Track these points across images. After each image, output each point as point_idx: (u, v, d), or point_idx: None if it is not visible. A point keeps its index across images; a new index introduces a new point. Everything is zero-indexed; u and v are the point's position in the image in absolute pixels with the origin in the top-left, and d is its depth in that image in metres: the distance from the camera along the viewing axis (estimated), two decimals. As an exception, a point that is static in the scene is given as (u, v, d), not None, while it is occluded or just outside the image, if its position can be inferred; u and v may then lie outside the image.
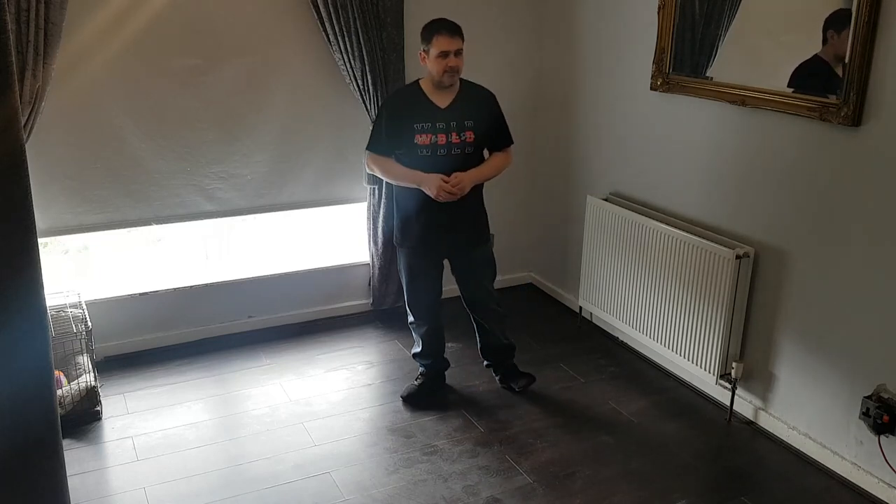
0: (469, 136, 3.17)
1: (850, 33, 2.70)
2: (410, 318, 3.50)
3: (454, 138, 3.15)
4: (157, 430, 3.27)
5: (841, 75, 2.80)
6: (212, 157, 3.84)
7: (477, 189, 3.28)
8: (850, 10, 2.76)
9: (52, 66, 3.24)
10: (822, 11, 2.88)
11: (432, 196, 3.12)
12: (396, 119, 3.20)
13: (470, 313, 3.52)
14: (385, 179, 3.32)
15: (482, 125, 3.21)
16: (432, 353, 3.55)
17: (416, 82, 3.25)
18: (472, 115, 3.18)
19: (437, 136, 3.14)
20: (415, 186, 3.18)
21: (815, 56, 2.93)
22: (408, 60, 4.02)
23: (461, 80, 3.23)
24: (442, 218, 3.22)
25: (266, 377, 3.72)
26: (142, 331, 3.90)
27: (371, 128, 3.36)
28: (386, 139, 3.23)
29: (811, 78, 2.94)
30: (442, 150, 3.15)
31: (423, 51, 3.14)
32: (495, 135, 3.29)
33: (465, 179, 3.14)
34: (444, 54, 3.07)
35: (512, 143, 3.36)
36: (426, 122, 3.14)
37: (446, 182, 3.10)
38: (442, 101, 3.17)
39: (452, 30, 3.10)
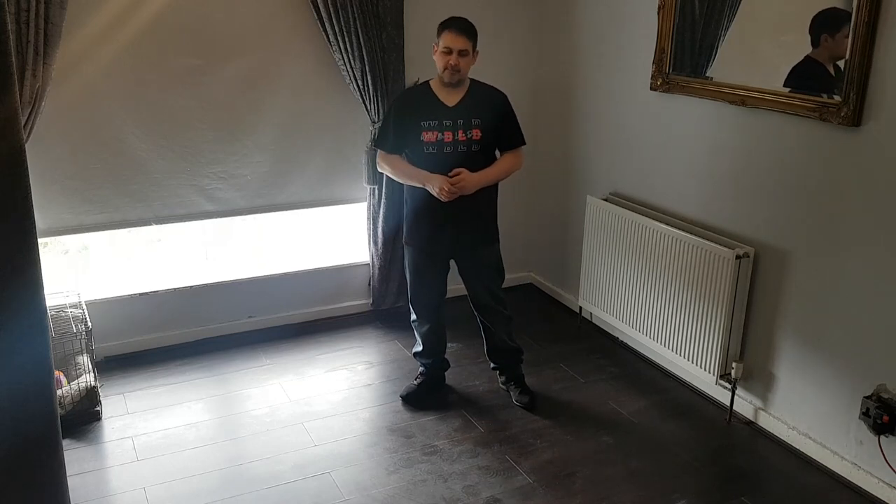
0: (476, 133, 3.17)
1: (850, 33, 2.70)
2: (413, 317, 3.50)
3: (460, 136, 3.16)
4: (157, 430, 3.27)
5: (834, 76, 2.81)
6: (212, 157, 3.84)
7: (487, 190, 3.25)
8: (840, 10, 2.77)
9: (52, 66, 3.24)
10: (810, 12, 2.89)
11: (436, 195, 3.13)
12: (403, 116, 3.21)
13: (477, 315, 3.52)
14: (394, 178, 3.32)
15: (490, 124, 3.20)
16: (433, 353, 3.55)
17: (427, 82, 3.26)
18: (479, 114, 3.18)
19: (443, 134, 3.15)
20: (420, 186, 3.18)
21: (807, 57, 2.94)
22: (408, 60, 4.03)
23: (472, 80, 3.23)
24: (449, 217, 3.22)
25: (266, 377, 3.72)
26: (142, 331, 3.90)
27: (379, 126, 3.36)
28: (393, 137, 3.24)
29: (806, 80, 2.95)
30: (448, 148, 3.16)
31: (435, 43, 3.15)
32: (505, 135, 3.27)
33: (468, 178, 3.14)
34: (447, 51, 3.09)
35: (523, 143, 3.33)
36: (433, 119, 3.15)
37: (448, 180, 3.10)
38: (450, 99, 3.18)
39: (460, 29, 3.10)
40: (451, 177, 3.12)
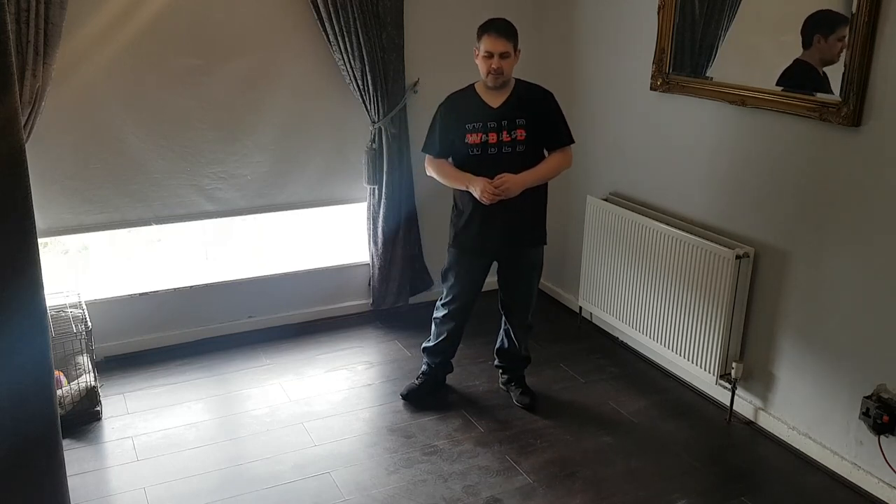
0: (520, 134, 3.14)
1: (850, 33, 2.70)
2: (439, 314, 3.46)
3: (505, 137, 3.13)
4: (157, 430, 3.27)
5: (825, 77, 2.81)
6: (212, 157, 3.84)
7: (534, 191, 3.20)
8: (835, 12, 2.77)
9: (52, 66, 3.24)
10: (810, 12, 2.89)
11: (478, 198, 3.11)
12: (448, 120, 3.20)
13: (502, 315, 3.50)
14: (441, 182, 3.29)
15: (535, 124, 3.17)
16: (442, 353, 3.53)
17: (472, 85, 3.24)
18: (524, 114, 3.15)
19: (487, 136, 3.13)
20: (464, 188, 3.17)
21: (797, 60, 2.93)
22: (408, 60, 4.03)
23: (517, 80, 3.21)
24: (494, 220, 3.19)
25: (266, 377, 3.72)
26: (142, 331, 3.90)
27: (427, 131, 3.33)
28: (439, 141, 3.23)
29: (796, 82, 2.95)
30: (493, 149, 3.14)
31: (476, 48, 3.14)
32: (551, 134, 3.23)
33: (510, 181, 3.09)
34: (488, 55, 3.07)
35: (571, 142, 3.27)
36: (477, 121, 3.14)
37: (490, 183, 3.07)
38: (494, 101, 3.16)
39: (500, 31, 3.07)
40: (493, 180, 3.09)
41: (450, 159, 3.26)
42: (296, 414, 3.41)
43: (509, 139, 3.14)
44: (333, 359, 3.91)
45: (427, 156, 3.31)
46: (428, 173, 3.34)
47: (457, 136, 3.18)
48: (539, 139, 3.21)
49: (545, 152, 3.27)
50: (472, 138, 3.14)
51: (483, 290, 3.46)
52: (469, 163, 3.17)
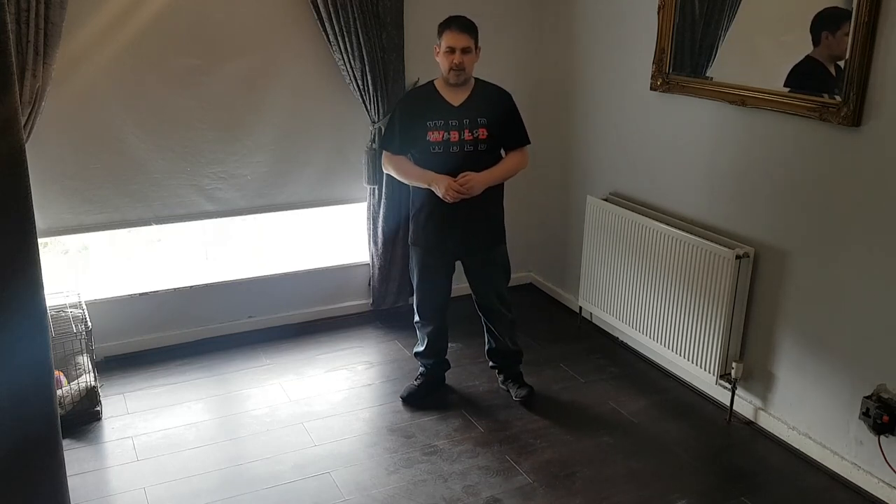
0: (482, 133, 3.16)
1: (850, 33, 2.71)
2: (416, 318, 3.49)
3: (467, 135, 3.15)
4: (157, 430, 3.27)
5: (835, 75, 2.81)
6: (212, 157, 3.84)
7: (493, 190, 3.25)
8: (840, 9, 2.77)
9: (52, 66, 3.24)
10: (810, 11, 2.89)
11: (441, 196, 3.12)
12: (409, 117, 3.20)
13: (481, 316, 3.51)
14: (399, 179, 3.31)
15: (496, 123, 3.19)
16: (434, 354, 3.54)
17: (431, 82, 3.25)
18: (485, 113, 3.17)
19: (449, 133, 3.14)
20: (426, 186, 3.18)
21: (808, 57, 2.94)
22: (408, 60, 4.03)
23: (476, 79, 3.23)
24: (456, 218, 3.21)
25: (266, 377, 3.72)
26: (142, 331, 3.90)
27: (385, 127, 3.34)
28: (399, 138, 3.23)
29: (806, 79, 2.95)
30: (454, 148, 3.15)
31: (437, 44, 3.15)
32: (510, 134, 3.26)
33: (474, 180, 3.12)
34: (450, 50, 3.08)
35: (528, 143, 3.32)
36: (439, 119, 3.15)
37: (455, 182, 3.09)
38: (455, 99, 3.18)
39: (462, 27, 3.09)
40: (457, 179, 3.11)
41: (409, 156, 3.26)
42: (296, 414, 3.41)
43: (471, 138, 3.15)
44: (333, 359, 3.91)
45: (385, 152, 3.30)
46: (385, 170, 3.35)
47: (418, 134, 3.18)
48: (498, 139, 3.23)
49: (503, 152, 3.30)
50: (433, 136, 3.15)
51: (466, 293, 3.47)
52: (430, 161, 3.18)
